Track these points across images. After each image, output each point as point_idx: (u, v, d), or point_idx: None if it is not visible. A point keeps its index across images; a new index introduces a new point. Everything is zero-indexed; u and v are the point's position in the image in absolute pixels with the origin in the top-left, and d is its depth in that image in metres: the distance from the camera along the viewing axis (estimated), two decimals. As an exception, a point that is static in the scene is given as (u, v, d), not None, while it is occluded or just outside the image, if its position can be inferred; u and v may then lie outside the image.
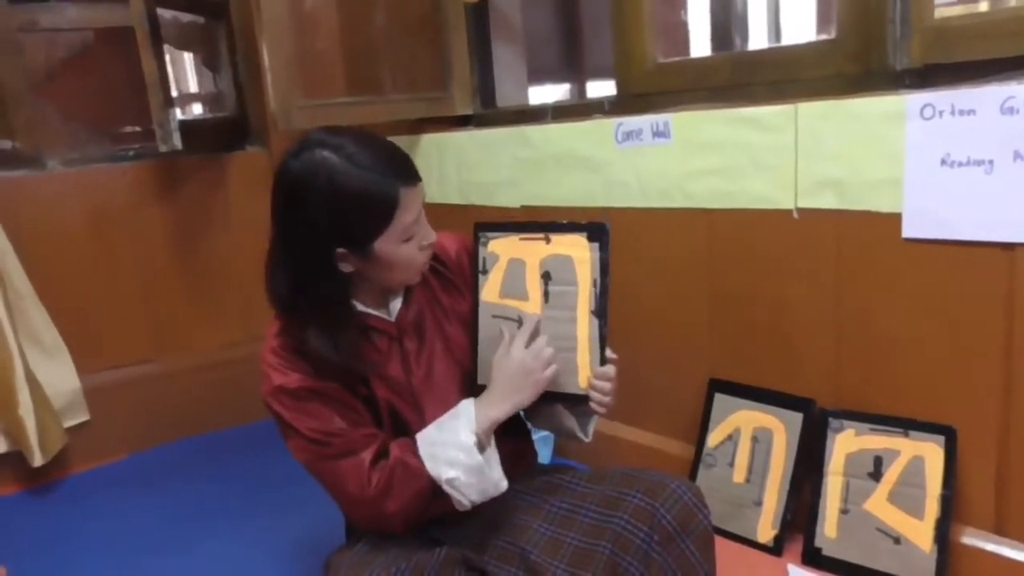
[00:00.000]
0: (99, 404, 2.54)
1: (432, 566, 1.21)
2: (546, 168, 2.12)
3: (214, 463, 2.52)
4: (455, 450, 1.18)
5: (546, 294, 1.25)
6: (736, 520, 1.77)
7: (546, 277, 1.25)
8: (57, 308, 2.46)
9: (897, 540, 1.55)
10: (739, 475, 1.79)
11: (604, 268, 1.20)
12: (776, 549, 1.70)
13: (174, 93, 2.59)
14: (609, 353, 1.23)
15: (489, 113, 2.48)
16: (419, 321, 1.33)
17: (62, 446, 2.39)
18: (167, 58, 2.54)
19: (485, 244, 1.29)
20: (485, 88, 2.54)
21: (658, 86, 1.94)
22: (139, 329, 2.65)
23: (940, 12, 1.47)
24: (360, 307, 1.29)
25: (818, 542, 1.64)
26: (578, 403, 1.27)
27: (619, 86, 2.05)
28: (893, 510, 1.56)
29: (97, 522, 2.18)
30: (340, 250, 1.19)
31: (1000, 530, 1.50)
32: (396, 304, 1.32)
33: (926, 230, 1.47)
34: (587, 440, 1.35)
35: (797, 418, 1.73)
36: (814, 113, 1.58)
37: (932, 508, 1.52)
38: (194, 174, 2.70)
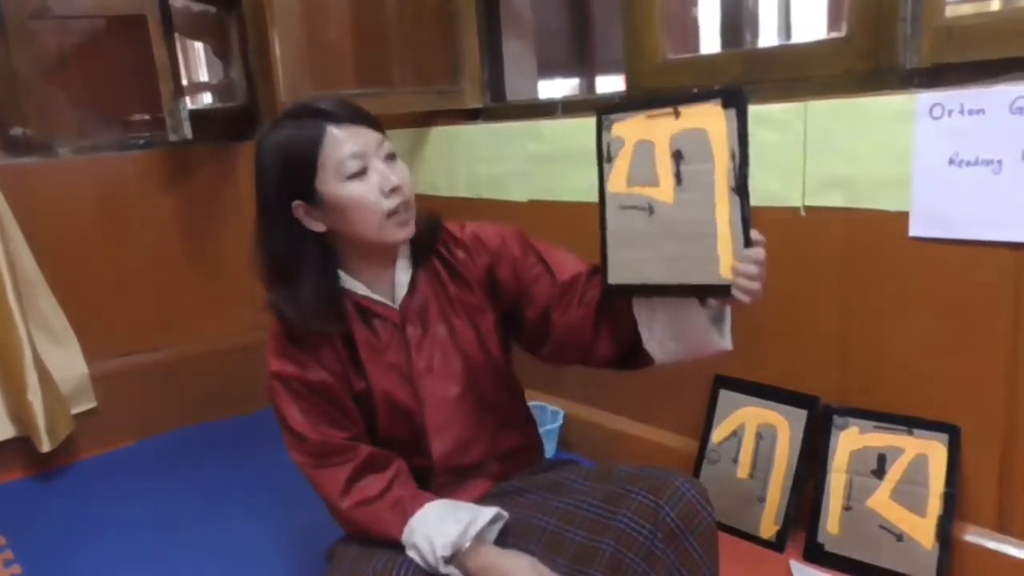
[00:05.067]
0: (107, 391, 2.55)
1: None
2: (556, 162, 2.13)
3: (221, 451, 2.53)
4: (429, 543, 1.18)
5: (678, 176, 1.10)
6: (739, 516, 1.78)
7: (677, 156, 1.10)
8: (66, 295, 2.47)
9: (900, 537, 1.55)
10: (743, 471, 1.80)
11: (743, 138, 1.05)
12: (779, 545, 1.71)
13: (185, 82, 2.60)
14: (755, 235, 1.07)
15: (499, 107, 2.48)
16: (423, 309, 1.33)
17: (70, 432, 2.41)
18: (178, 47, 2.54)
19: (608, 128, 1.16)
20: (495, 82, 2.54)
21: (668, 82, 1.94)
22: (147, 316, 2.66)
23: (951, 11, 1.47)
24: (363, 291, 1.30)
25: (821, 538, 1.65)
26: (717, 296, 1.11)
27: (629, 81, 2.05)
28: (896, 507, 1.57)
29: (104, 508, 2.20)
30: (295, 203, 1.22)
31: (1003, 528, 1.51)
32: (401, 292, 1.32)
33: (933, 229, 1.48)
34: (729, 347, 1.19)
35: (801, 415, 1.73)
36: (823, 111, 1.59)
37: (935, 505, 1.52)
38: (204, 163, 2.71)
